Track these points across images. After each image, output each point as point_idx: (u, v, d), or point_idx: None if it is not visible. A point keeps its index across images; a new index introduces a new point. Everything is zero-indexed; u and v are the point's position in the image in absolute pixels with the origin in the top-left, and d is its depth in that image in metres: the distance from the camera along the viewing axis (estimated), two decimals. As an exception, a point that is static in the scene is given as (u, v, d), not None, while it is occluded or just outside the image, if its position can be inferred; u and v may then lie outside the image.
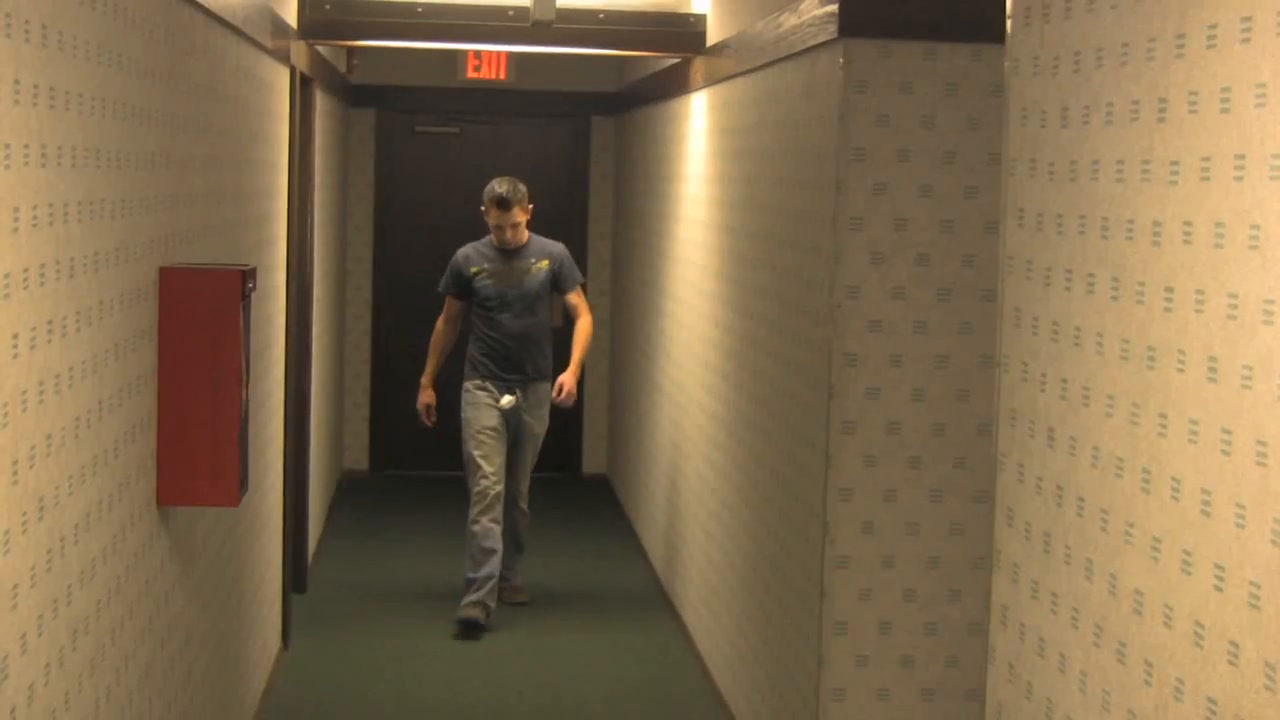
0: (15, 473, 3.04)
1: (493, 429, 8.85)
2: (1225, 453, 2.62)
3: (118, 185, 3.92)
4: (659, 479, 9.91)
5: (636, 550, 10.60)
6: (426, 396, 9.19)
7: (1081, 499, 3.21)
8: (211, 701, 5.64)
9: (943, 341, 5.54)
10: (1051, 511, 3.37)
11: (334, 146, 11.17)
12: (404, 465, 12.95)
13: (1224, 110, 2.66)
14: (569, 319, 9.28)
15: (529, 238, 9.05)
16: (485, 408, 8.88)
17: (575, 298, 9.09)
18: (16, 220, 3.02)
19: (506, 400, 8.86)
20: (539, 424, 9.10)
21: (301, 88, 8.78)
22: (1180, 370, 2.79)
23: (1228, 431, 2.61)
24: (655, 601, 9.39)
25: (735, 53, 7.35)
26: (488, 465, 8.81)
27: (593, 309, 12.87)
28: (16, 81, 3.02)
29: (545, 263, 8.96)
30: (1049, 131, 3.45)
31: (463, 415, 8.96)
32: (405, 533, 10.98)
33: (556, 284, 9.02)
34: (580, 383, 12.94)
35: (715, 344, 8.00)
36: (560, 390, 8.94)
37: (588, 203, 12.85)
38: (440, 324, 9.22)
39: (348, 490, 12.36)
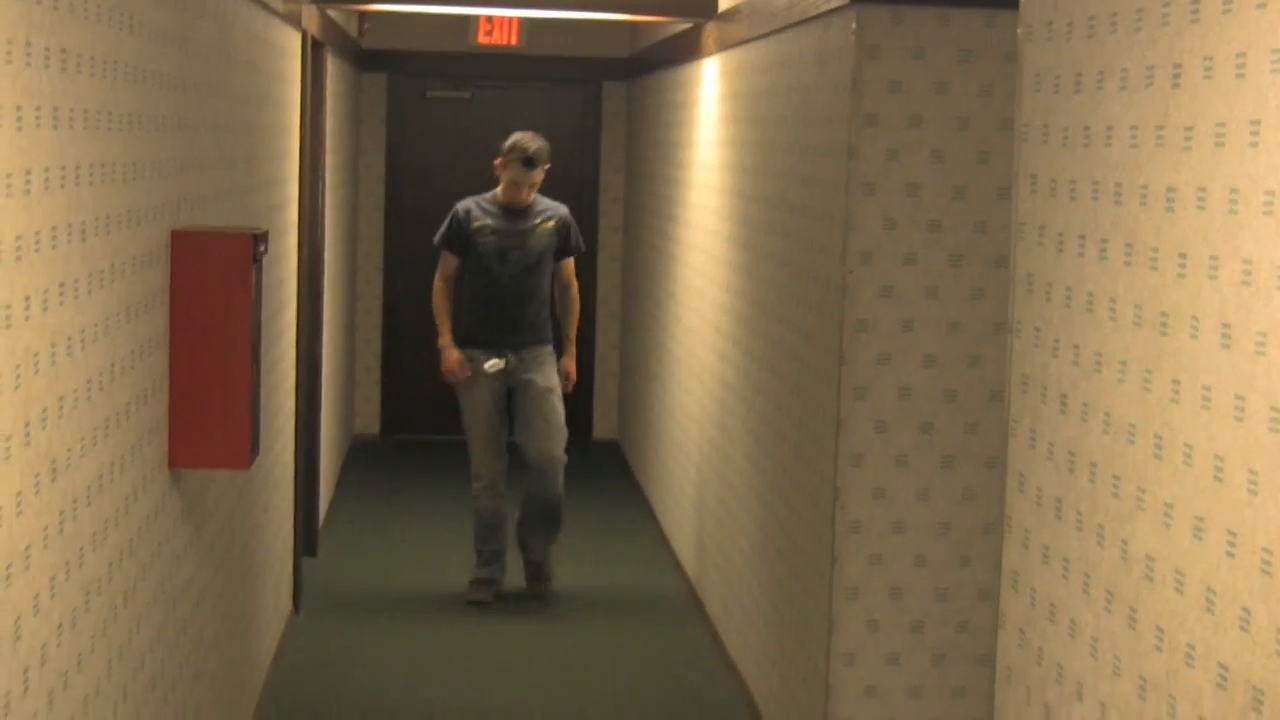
0: (28, 434, 3.05)
1: (485, 406, 8.59)
2: (1238, 419, 2.61)
3: (129, 148, 3.92)
4: (670, 444, 9.92)
5: (647, 515, 10.61)
6: (454, 354, 8.62)
7: (1093, 465, 3.20)
8: (223, 663, 5.66)
9: (954, 308, 5.54)
10: (1063, 477, 3.37)
11: (345, 111, 11.16)
12: (415, 429, 12.96)
13: (1239, 76, 2.65)
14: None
15: (535, 197, 8.74)
16: (475, 386, 8.58)
17: (570, 265, 8.86)
18: (28, 183, 3.02)
19: (492, 364, 8.51)
20: (544, 378, 8.65)
21: (313, 52, 8.76)
22: (1193, 336, 2.78)
23: (1240, 397, 2.61)
24: (666, 566, 9.41)
25: (748, 18, 7.33)
26: (481, 451, 8.64)
27: (604, 275, 12.87)
28: (28, 43, 3.01)
29: (551, 223, 8.64)
30: (1062, 97, 3.44)
31: (458, 391, 8.70)
32: (416, 497, 11.00)
33: (562, 247, 8.72)
34: (590, 348, 12.96)
35: (726, 309, 8.00)
36: (567, 380, 8.78)
37: (599, 168, 12.83)
38: (439, 283, 8.73)
39: (359, 454, 12.37)
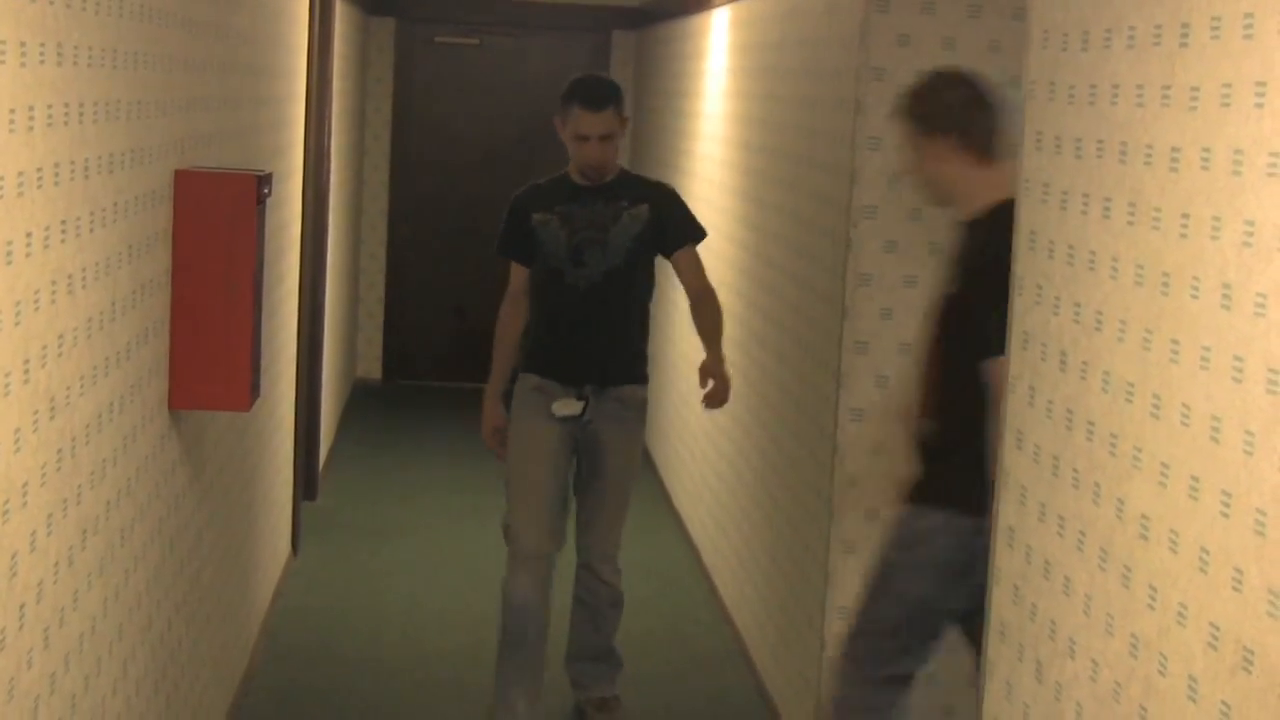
0: (27, 371, 3.05)
1: (546, 453, 6.06)
2: (1236, 380, 2.61)
3: (134, 86, 3.91)
4: (671, 394, 9.93)
5: (646, 464, 10.63)
6: (492, 418, 6.23)
7: (1091, 423, 3.21)
8: (220, 605, 5.67)
9: (958, 264, 5.53)
10: (1061, 435, 3.37)
11: (352, 54, 11.13)
12: (417, 375, 12.97)
13: (1247, 36, 2.65)
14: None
15: (619, 171, 6.19)
16: (539, 419, 6.09)
17: (688, 261, 6.14)
18: (32, 119, 3.02)
19: (563, 405, 6.07)
20: (623, 440, 6.14)
21: (321, -6, 8.74)
22: (1194, 297, 2.78)
23: (1239, 359, 2.61)
24: (663, 517, 9.42)
25: (758, -31, 7.31)
26: (526, 513, 6.05)
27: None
28: (34, -21, 3.00)
29: (644, 207, 6.10)
30: (1069, 54, 3.43)
31: (510, 425, 6.17)
32: (417, 442, 11.01)
33: (659, 238, 6.14)
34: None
35: (731, 261, 7.99)
36: (708, 382, 5.98)
37: (606, 117, 12.80)
38: (506, 307, 6.25)
39: (360, 398, 12.38)
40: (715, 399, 5.99)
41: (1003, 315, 3.90)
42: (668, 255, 6.15)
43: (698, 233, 6.18)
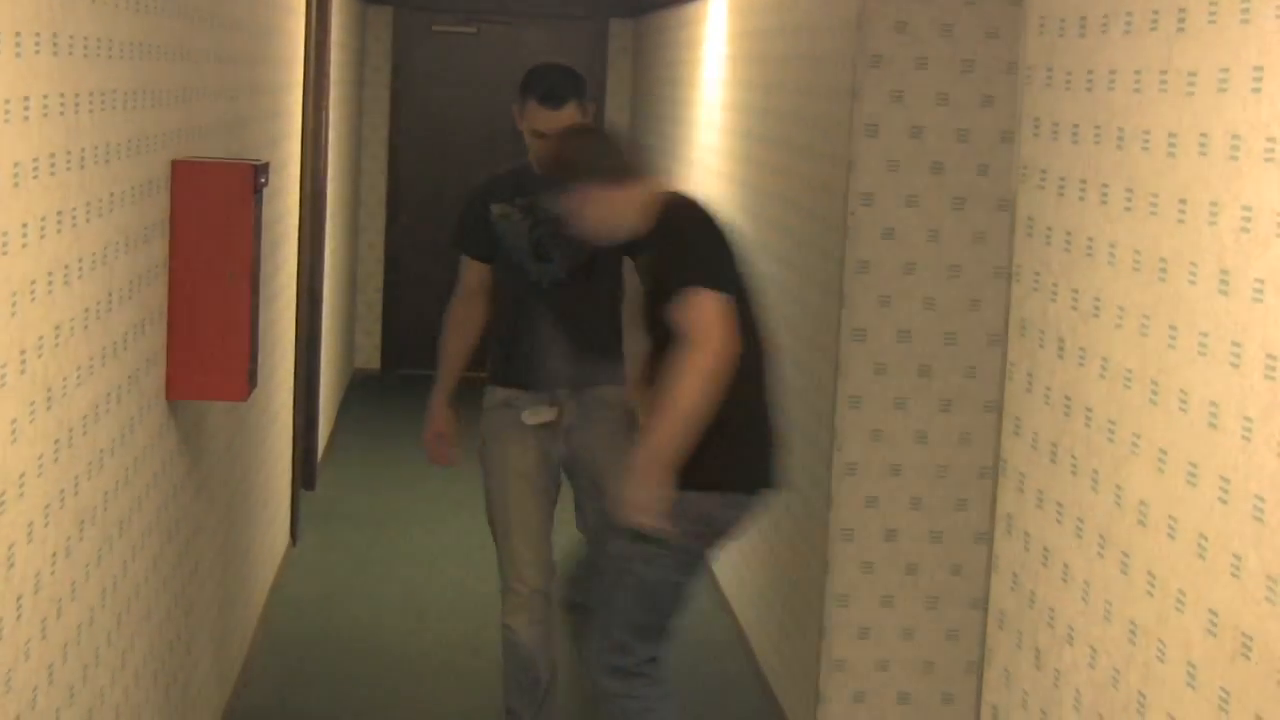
0: (24, 362, 3.05)
1: (526, 478, 5.54)
2: (1234, 365, 2.61)
3: (131, 76, 3.91)
4: (669, 384, 9.91)
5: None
6: (436, 422, 5.75)
7: (1089, 409, 3.20)
8: (219, 596, 5.67)
9: (955, 250, 5.53)
10: (1059, 421, 3.37)
11: (350, 43, 11.12)
12: (415, 365, 12.96)
13: (1244, 22, 2.64)
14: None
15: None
16: (512, 440, 5.55)
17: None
18: (27, 109, 3.01)
19: (533, 414, 5.54)
20: (615, 448, 5.54)
21: (318, -17, 8.73)
22: (1192, 283, 2.78)
23: (1237, 345, 2.61)
24: (663, 505, 9.42)
25: (754, -44, 7.30)
26: (513, 549, 5.53)
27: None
28: (28, -31, 3.00)
29: None
30: (1067, 40, 3.43)
31: (480, 448, 5.65)
32: (415, 432, 11.01)
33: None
34: None
35: (728, 249, 7.98)
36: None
37: (605, 105, 12.79)
38: (456, 306, 5.71)
39: (359, 388, 12.38)
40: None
41: (692, 263, 4.75)
42: (631, 254, 5.48)
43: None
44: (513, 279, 5.55)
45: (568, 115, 5.43)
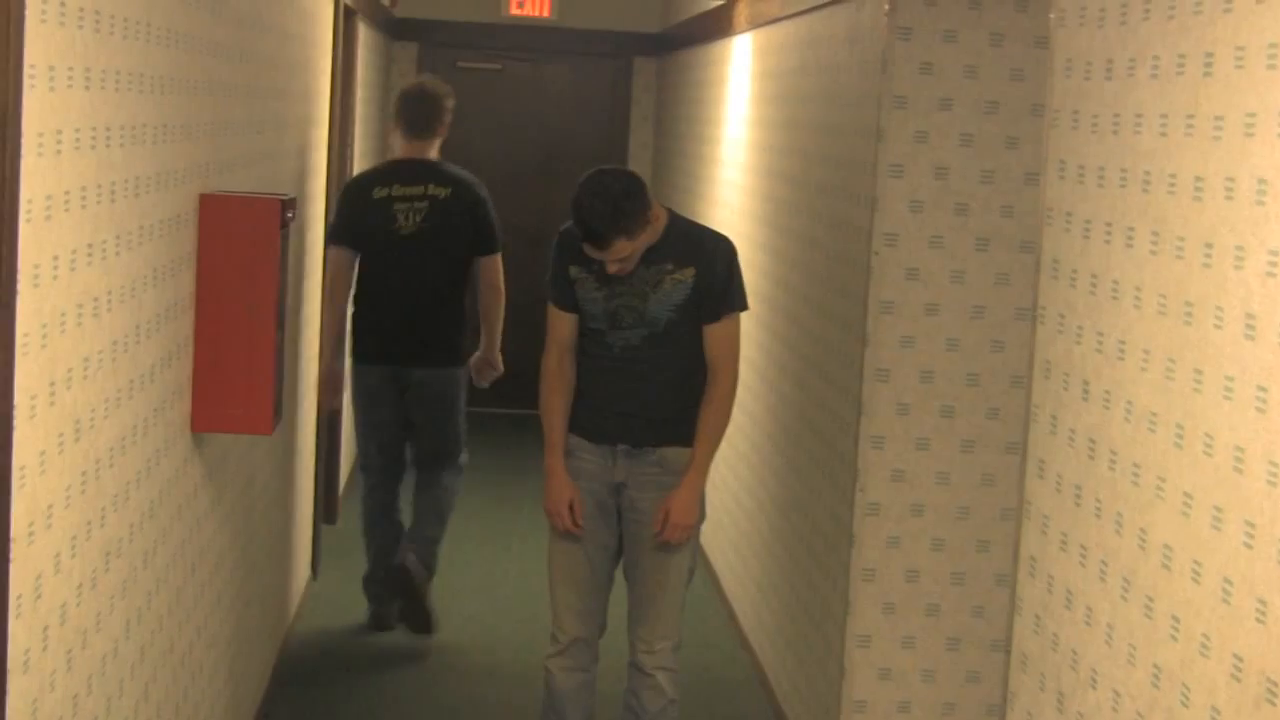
0: (53, 394, 3.06)
1: (584, 527, 5.55)
2: (1260, 410, 2.61)
3: (160, 111, 3.93)
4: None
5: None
6: (564, 489, 5.54)
7: (1114, 453, 3.20)
8: (241, 628, 5.68)
9: (979, 292, 5.53)
10: (1083, 464, 3.37)
11: (375, 80, 11.16)
12: (437, 400, 12.95)
13: (1270, 67, 2.65)
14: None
15: (666, 224, 5.44)
16: (582, 487, 5.55)
17: (718, 335, 5.45)
18: (59, 143, 3.03)
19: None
20: (654, 510, 5.50)
21: (345, 19, 8.77)
22: (1218, 327, 2.78)
23: (1263, 389, 2.61)
24: (683, 543, 9.41)
25: (780, -4, 7.32)
26: (565, 593, 5.61)
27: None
28: (61, 4, 3.02)
29: (690, 271, 5.40)
30: (1093, 84, 3.44)
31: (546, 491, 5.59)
32: (436, 467, 10.99)
33: (701, 306, 5.42)
34: None
35: (752, 288, 7.99)
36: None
37: (628, 144, 12.82)
38: (551, 363, 5.57)
39: (380, 423, 12.37)
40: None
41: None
42: (704, 324, 5.44)
43: (739, 303, 5.49)
44: (590, 338, 5.50)
45: (618, 249, 5.27)
